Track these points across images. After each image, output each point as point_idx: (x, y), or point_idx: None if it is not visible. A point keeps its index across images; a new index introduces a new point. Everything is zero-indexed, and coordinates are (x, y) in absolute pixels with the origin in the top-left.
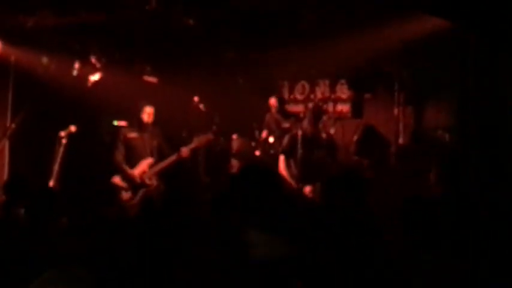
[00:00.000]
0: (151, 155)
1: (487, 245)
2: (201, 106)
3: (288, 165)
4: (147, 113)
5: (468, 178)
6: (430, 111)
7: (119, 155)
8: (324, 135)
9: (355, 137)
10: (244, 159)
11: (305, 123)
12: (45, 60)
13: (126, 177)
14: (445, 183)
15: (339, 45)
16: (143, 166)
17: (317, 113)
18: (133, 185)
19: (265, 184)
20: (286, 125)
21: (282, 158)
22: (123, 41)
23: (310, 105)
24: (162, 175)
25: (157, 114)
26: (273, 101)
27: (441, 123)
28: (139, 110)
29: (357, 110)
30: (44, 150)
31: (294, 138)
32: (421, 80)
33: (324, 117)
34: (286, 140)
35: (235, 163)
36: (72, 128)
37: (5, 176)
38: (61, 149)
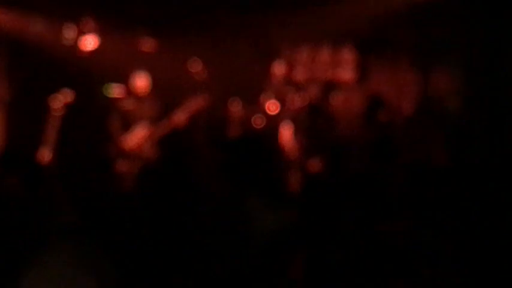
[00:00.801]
0: (148, 124)
1: (491, 218)
2: (200, 71)
3: (291, 135)
4: (141, 80)
5: (474, 146)
6: (437, 76)
7: (115, 125)
8: (330, 105)
9: (361, 105)
10: (243, 126)
11: (310, 92)
12: (38, 25)
13: (122, 148)
14: (451, 151)
15: (344, 7)
16: (139, 135)
17: (323, 83)
18: (130, 155)
19: (265, 153)
20: (289, 92)
21: (285, 127)
22: (119, 4)
23: (313, 70)
24: (159, 144)
25: (155, 81)
26: (275, 66)
27: (449, 89)
28: (134, 78)
29: (362, 75)
30: (38, 120)
31: (298, 107)
32: (428, 45)
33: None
34: (290, 108)
35: (233, 130)
36: (67, 99)
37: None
38: (55, 120)
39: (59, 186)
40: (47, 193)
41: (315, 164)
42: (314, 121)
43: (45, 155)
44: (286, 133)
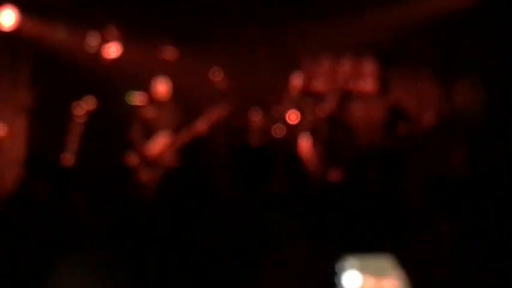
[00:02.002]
0: (170, 132)
1: None
2: (220, 80)
3: (310, 145)
4: (162, 86)
5: (495, 157)
6: (458, 88)
7: (136, 133)
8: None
9: (381, 117)
10: (264, 136)
11: (330, 103)
12: (62, 33)
13: (144, 156)
14: (474, 163)
15: (365, 18)
16: (160, 143)
17: (344, 94)
18: (151, 163)
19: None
20: (309, 102)
21: (304, 137)
22: (142, 13)
23: (334, 81)
24: (180, 152)
25: (176, 89)
26: (295, 77)
27: (470, 101)
28: (154, 83)
29: (383, 86)
30: (61, 127)
31: (318, 118)
32: (449, 56)
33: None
34: (309, 119)
35: (254, 139)
36: (90, 106)
37: (23, 151)
38: (78, 127)
39: (81, 192)
40: (70, 198)
41: (334, 175)
42: (334, 132)
43: (68, 161)
44: (306, 144)
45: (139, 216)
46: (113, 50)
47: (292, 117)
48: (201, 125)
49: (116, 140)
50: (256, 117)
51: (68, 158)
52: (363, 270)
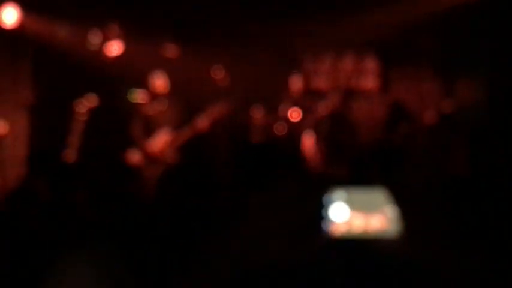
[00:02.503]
0: (171, 130)
1: None
2: (221, 77)
3: (313, 144)
4: (159, 81)
5: (497, 156)
6: (460, 86)
7: (138, 131)
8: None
9: (383, 114)
10: (265, 133)
11: (332, 101)
12: (64, 30)
13: (145, 153)
14: (475, 162)
15: (366, 16)
16: (162, 140)
17: (345, 92)
18: (153, 160)
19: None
20: (311, 100)
21: (307, 136)
22: (144, 10)
23: (335, 79)
24: (181, 149)
25: (178, 86)
26: (297, 74)
27: (472, 98)
28: (152, 78)
29: (385, 84)
30: (62, 124)
31: (320, 115)
32: (451, 54)
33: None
34: (312, 116)
35: (255, 137)
36: (91, 104)
37: (24, 149)
38: (80, 125)
39: (83, 189)
40: (71, 195)
41: (336, 172)
42: (336, 129)
43: (70, 158)
44: (308, 141)
45: (141, 213)
46: (114, 48)
47: (294, 115)
48: (203, 122)
49: (117, 137)
50: (258, 115)
51: (70, 155)
52: (351, 203)
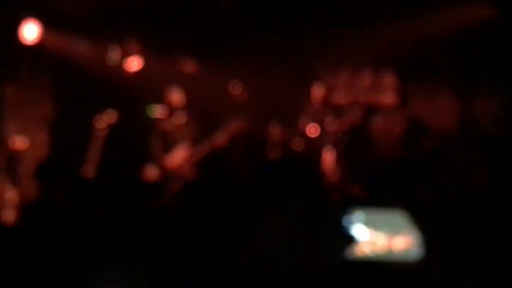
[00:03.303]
0: (189, 145)
1: None
2: (239, 93)
3: (332, 160)
4: (175, 96)
5: None
6: (479, 101)
7: (156, 146)
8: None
9: (401, 130)
10: (283, 148)
11: (351, 116)
12: (84, 46)
13: (163, 168)
14: (495, 178)
15: (385, 31)
16: (180, 156)
17: (364, 107)
18: (170, 175)
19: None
20: (329, 115)
21: (326, 151)
22: (162, 26)
23: (354, 94)
24: (199, 165)
25: (196, 102)
26: (315, 90)
27: (490, 113)
28: (168, 93)
29: (403, 99)
30: (82, 139)
31: (339, 131)
32: (469, 69)
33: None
34: (330, 132)
35: (273, 152)
36: (111, 119)
37: (44, 164)
38: (99, 140)
39: (102, 204)
40: (90, 210)
41: (355, 188)
42: (355, 145)
43: (89, 173)
44: (328, 157)
45: (159, 228)
46: (133, 63)
47: (312, 130)
48: (221, 138)
49: (136, 152)
50: (275, 130)
51: (89, 170)
52: (372, 225)
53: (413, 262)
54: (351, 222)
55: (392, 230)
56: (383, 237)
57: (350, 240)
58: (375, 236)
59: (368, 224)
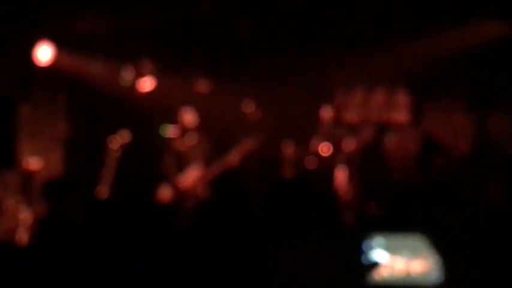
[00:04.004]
0: (202, 165)
1: None
2: (252, 112)
3: (346, 177)
4: (188, 116)
5: None
6: (493, 120)
7: (169, 166)
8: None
9: (415, 148)
10: (296, 167)
11: (364, 134)
12: (98, 66)
13: (176, 188)
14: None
15: (398, 49)
16: (193, 175)
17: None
18: (184, 195)
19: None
20: (342, 133)
21: (339, 169)
22: (175, 47)
23: (367, 112)
24: (212, 184)
25: (209, 121)
26: (328, 108)
27: (505, 131)
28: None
29: (416, 117)
30: (96, 159)
31: (352, 149)
32: (483, 87)
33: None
34: (343, 150)
35: (286, 171)
36: (124, 140)
37: (58, 184)
38: (113, 160)
39: (115, 224)
40: (105, 230)
41: (370, 207)
42: (368, 164)
43: (103, 193)
44: (341, 175)
45: (173, 248)
46: (147, 84)
47: (325, 149)
48: (234, 157)
49: (149, 172)
50: (288, 149)
51: (103, 190)
52: (391, 249)
53: (432, 286)
54: (371, 247)
55: (411, 254)
56: (402, 261)
57: (370, 265)
58: (393, 260)
59: (387, 248)
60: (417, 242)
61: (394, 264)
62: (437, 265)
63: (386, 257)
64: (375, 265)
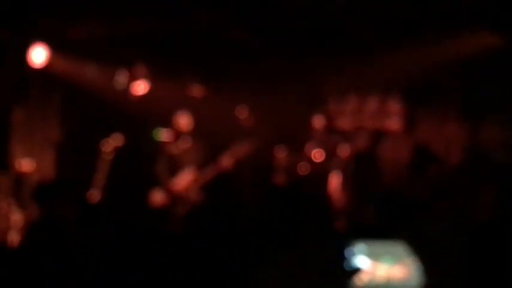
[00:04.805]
0: (195, 169)
1: None
2: (246, 117)
3: (338, 186)
4: (182, 120)
5: None
6: (485, 129)
7: (162, 169)
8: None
9: (407, 156)
10: (289, 173)
11: (357, 142)
12: (92, 70)
13: (169, 192)
14: (503, 206)
15: (391, 57)
16: (186, 179)
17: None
18: (177, 199)
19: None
20: (335, 140)
21: (332, 177)
22: (169, 51)
23: (360, 120)
24: (205, 188)
25: (202, 126)
26: (321, 115)
27: (497, 140)
28: (176, 117)
29: (409, 125)
30: (88, 162)
31: (345, 156)
32: (476, 96)
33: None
34: (336, 157)
35: (279, 176)
36: (117, 143)
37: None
38: (106, 163)
39: (108, 227)
40: (96, 233)
41: (362, 213)
42: (361, 171)
43: (95, 197)
44: (334, 182)
45: (165, 251)
46: (140, 87)
47: (317, 155)
48: (227, 162)
49: (142, 176)
50: (281, 155)
51: (95, 194)
52: (373, 256)
53: None
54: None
55: (393, 260)
56: (383, 268)
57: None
58: (375, 266)
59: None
60: (398, 248)
61: (376, 270)
62: (417, 272)
63: (368, 263)
64: (356, 271)
